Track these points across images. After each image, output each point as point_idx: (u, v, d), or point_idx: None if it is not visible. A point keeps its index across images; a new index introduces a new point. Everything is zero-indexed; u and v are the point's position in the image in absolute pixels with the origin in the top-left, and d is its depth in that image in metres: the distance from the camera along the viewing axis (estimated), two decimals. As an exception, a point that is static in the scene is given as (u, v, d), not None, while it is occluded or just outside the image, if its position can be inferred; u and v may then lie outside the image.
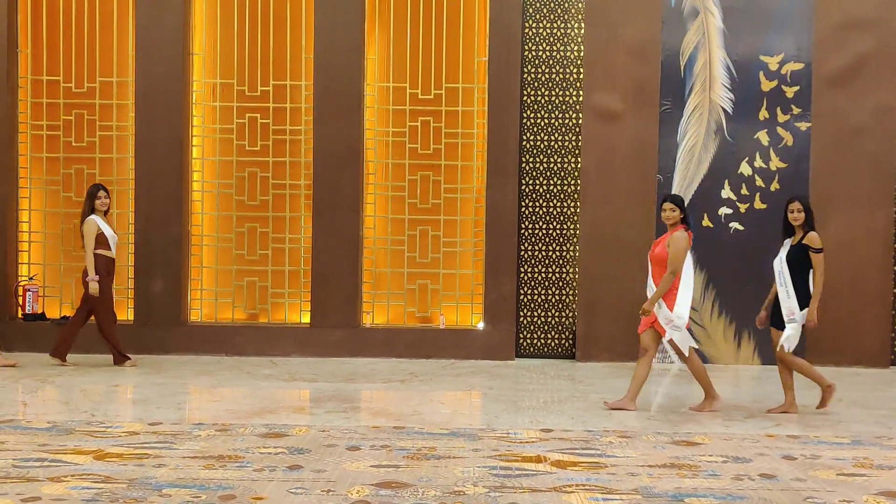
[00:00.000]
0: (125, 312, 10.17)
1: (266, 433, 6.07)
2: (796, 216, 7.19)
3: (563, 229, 10.44)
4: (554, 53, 10.45)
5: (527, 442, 5.96)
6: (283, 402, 7.35)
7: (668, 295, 7.07)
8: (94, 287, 9.00)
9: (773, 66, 10.22)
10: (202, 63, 10.47)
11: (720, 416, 7.02)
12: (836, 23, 10.15)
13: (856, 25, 10.16)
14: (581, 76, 10.38)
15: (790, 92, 10.21)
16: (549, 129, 10.44)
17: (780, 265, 7.19)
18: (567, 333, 10.46)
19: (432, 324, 10.48)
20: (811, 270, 7.06)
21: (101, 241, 9.10)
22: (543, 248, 10.43)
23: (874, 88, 10.15)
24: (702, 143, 10.25)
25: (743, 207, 10.23)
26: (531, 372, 9.48)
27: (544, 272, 10.44)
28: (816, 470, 5.32)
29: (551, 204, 10.44)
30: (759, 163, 10.23)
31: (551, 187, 10.43)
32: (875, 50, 10.15)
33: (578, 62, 10.42)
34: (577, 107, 10.40)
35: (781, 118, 10.21)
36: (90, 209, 9.15)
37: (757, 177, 10.22)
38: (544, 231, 10.44)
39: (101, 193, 9.18)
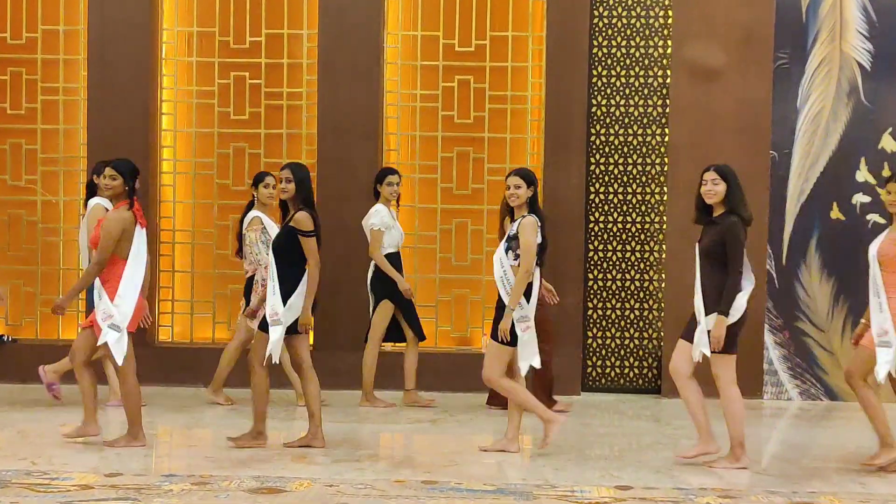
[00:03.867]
0: (75, 329, 10.22)
1: (256, 488, 6.08)
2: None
3: (646, 223, 10.39)
4: (633, -9, 10.43)
5: (598, 502, 5.93)
6: (279, 448, 7.39)
7: (111, 282, 7.16)
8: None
9: (927, 7, 10.14)
10: (174, 6, 10.56)
11: (854, 472, 6.94)
12: None
13: None
14: (670, 21, 10.34)
15: (949, 41, 10.14)
16: (627, 92, 10.40)
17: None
18: (650, 360, 10.41)
19: (472, 346, 10.49)
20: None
21: None
22: (619, 247, 10.39)
23: None
24: (830, 108, 10.17)
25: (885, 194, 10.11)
26: (603, 410, 9.45)
27: (620, 279, 10.40)
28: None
29: (629, 190, 10.40)
30: (906, 135, 10.16)
31: (629, 168, 10.40)
32: None
33: (666, 3, 10.37)
34: (664, 61, 10.36)
35: (937, 76, 10.14)
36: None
37: (903, 154, 10.15)
38: (620, 225, 10.40)
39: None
